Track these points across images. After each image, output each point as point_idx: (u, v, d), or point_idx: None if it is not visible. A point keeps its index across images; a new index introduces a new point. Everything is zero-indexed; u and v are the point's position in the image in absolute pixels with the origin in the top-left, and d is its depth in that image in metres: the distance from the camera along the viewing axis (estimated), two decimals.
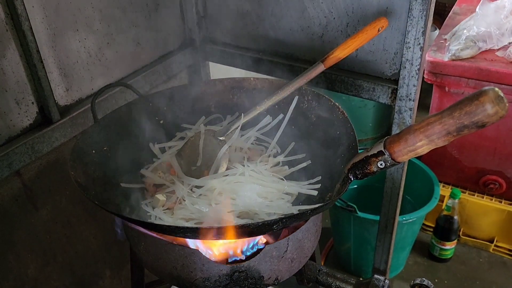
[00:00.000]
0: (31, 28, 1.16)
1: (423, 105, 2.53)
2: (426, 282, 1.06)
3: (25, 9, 1.13)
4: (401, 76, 1.34)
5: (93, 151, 1.09)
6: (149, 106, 1.26)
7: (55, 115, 1.28)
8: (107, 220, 1.56)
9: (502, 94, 0.66)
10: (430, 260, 2.27)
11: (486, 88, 0.66)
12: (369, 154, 0.83)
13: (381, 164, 0.82)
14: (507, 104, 0.66)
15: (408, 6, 1.24)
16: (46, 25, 1.23)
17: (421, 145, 0.75)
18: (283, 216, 0.90)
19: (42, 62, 1.21)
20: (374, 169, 0.83)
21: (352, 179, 0.87)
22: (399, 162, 0.81)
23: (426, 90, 2.29)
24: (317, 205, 0.91)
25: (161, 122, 1.27)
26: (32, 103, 1.24)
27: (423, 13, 1.22)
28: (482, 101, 0.66)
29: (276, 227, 0.83)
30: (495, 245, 2.27)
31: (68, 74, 1.32)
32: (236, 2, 1.57)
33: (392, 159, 0.80)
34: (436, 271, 2.22)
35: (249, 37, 1.61)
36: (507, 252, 2.26)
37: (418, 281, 1.06)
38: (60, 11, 1.25)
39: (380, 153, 0.81)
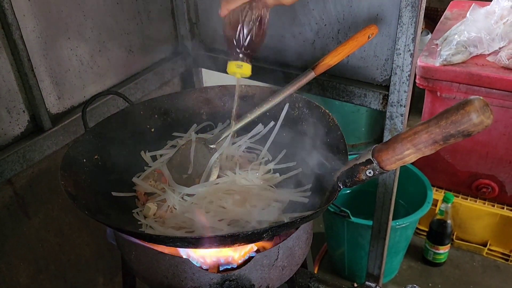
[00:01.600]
0: (22, 36, 1.16)
1: (416, 109, 2.55)
2: None
3: (16, 18, 1.13)
4: (392, 82, 1.35)
5: (84, 160, 1.09)
6: (141, 114, 1.26)
7: (46, 123, 1.28)
8: (100, 228, 1.55)
9: (487, 104, 0.67)
10: (424, 265, 2.28)
11: (472, 97, 0.67)
12: (358, 162, 0.83)
13: (369, 173, 0.82)
14: (492, 114, 0.66)
15: (398, 13, 1.24)
16: (37, 33, 1.23)
17: (408, 153, 0.76)
18: (273, 224, 0.90)
19: (33, 70, 1.21)
20: (363, 177, 0.84)
21: (342, 187, 0.88)
22: (387, 171, 0.81)
23: (419, 94, 2.30)
24: (307, 213, 0.91)
25: (152, 130, 1.27)
26: (24, 111, 1.24)
27: (412, 20, 1.23)
28: (468, 110, 0.66)
29: (266, 236, 0.83)
30: (489, 249, 2.28)
31: (59, 82, 1.32)
32: None
33: (380, 167, 0.81)
34: (430, 275, 2.22)
35: None
36: (501, 255, 2.27)
37: (409, 287, 1.07)
38: (52, 19, 1.25)
39: (369, 162, 0.82)
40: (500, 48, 2.01)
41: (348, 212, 1.85)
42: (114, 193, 1.10)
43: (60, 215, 1.43)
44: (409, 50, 1.28)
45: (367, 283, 1.03)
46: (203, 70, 1.84)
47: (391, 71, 1.33)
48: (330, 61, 1.20)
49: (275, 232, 0.86)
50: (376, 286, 1.04)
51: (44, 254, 1.41)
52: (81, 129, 1.35)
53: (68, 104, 1.37)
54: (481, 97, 0.67)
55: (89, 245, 1.56)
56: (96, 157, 1.12)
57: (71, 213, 1.46)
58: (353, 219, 1.86)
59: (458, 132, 0.69)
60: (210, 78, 1.89)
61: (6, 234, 1.28)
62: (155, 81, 1.63)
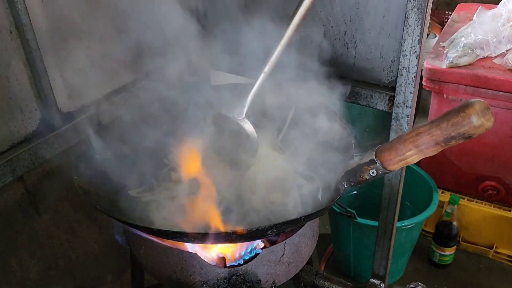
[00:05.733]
0: (35, 37, 1.18)
1: (423, 111, 2.55)
2: (421, 286, 1.08)
3: (29, 19, 1.16)
4: (398, 84, 1.36)
5: (97, 157, 1.11)
6: (151, 112, 1.29)
7: (57, 122, 1.30)
8: (109, 225, 1.58)
9: (488, 106, 0.68)
10: (430, 266, 2.28)
11: (473, 100, 0.68)
12: (362, 162, 0.85)
13: (373, 172, 0.84)
14: (492, 117, 0.67)
15: (404, 15, 1.26)
16: (50, 34, 1.25)
17: (410, 154, 0.77)
18: (278, 222, 0.92)
19: (45, 70, 1.23)
20: (367, 176, 0.85)
21: (346, 186, 0.90)
22: (390, 171, 0.83)
23: (427, 96, 2.31)
24: (311, 211, 0.93)
25: (164, 127, 1.30)
26: (36, 110, 1.27)
27: (418, 21, 1.24)
28: (468, 113, 0.68)
29: (270, 233, 0.85)
30: (495, 251, 2.28)
31: (71, 81, 1.34)
32: (235, 10, 1.59)
33: (383, 167, 0.82)
34: (436, 277, 2.22)
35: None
36: (507, 258, 2.26)
37: (413, 285, 1.08)
38: (64, 20, 1.27)
39: (372, 162, 0.83)
40: (506, 51, 2.02)
41: (354, 212, 1.86)
42: (130, 192, 1.13)
43: (69, 212, 1.45)
44: (415, 52, 1.29)
45: (371, 280, 1.05)
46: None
47: (397, 72, 1.35)
48: None
49: (280, 229, 0.88)
50: (380, 283, 1.05)
51: (54, 250, 1.43)
52: (91, 128, 1.37)
53: (79, 103, 1.38)
54: (482, 100, 0.68)
55: (97, 242, 1.58)
56: (108, 154, 1.14)
57: (81, 211, 1.48)
58: (359, 219, 1.87)
59: (459, 134, 0.70)
60: (217, 77, 1.90)
61: (17, 230, 1.31)
62: (166, 80, 1.64)
